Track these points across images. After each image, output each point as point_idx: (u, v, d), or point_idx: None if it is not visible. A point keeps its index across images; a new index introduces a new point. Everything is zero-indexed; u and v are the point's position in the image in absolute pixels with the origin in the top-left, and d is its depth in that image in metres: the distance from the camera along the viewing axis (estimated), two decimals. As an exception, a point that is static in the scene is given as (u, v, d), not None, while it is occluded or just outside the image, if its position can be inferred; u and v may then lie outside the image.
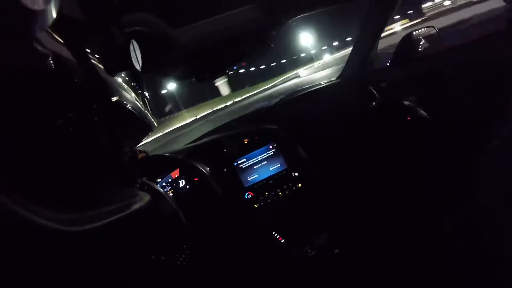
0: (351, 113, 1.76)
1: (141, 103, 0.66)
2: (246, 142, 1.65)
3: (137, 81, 0.68)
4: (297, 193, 1.57)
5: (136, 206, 0.66)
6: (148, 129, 0.72)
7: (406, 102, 1.46)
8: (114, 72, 0.56)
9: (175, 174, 1.64)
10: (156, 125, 0.75)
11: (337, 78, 1.99)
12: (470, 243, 1.06)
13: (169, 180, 1.64)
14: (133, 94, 0.64)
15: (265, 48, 1.31)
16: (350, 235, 1.50)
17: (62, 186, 0.48)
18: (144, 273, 0.88)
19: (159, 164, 1.51)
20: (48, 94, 0.44)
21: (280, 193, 1.56)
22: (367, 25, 1.65)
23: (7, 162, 0.38)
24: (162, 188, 1.61)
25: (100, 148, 0.57)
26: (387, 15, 1.57)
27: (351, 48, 1.84)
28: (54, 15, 0.36)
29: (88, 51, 0.50)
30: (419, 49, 1.55)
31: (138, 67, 0.57)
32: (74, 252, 0.46)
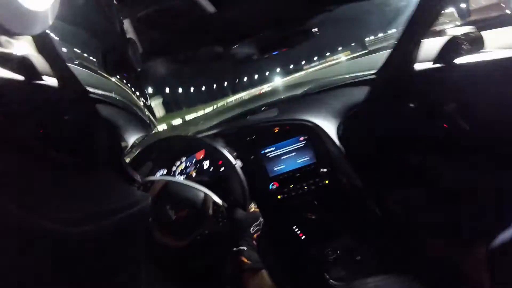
0: (386, 112, 1.66)
1: (139, 103, 0.65)
2: (276, 130, 1.60)
3: (137, 80, 0.66)
4: (324, 190, 1.51)
5: (136, 206, 0.65)
6: (145, 130, 0.71)
7: (445, 108, 1.36)
8: (114, 71, 0.55)
9: (200, 155, 1.63)
10: (156, 124, 0.74)
11: (374, 73, 1.87)
12: None
13: (193, 160, 1.63)
14: (132, 96, 0.63)
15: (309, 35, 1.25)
16: (375, 243, 1.42)
17: (62, 186, 0.48)
18: (144, 273, 0.88)
19: (184, 143, 1.50)
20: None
21: (305, 187, 1.51)
22: (415, 20, 1.51)
23: (8, 164, 0.38)
24: (185, 168, 1.62)
25: (100, 148, 0.56)
26: (439, 11, 1.42)
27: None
28: (54, 16, 0.36)
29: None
30: (463, 53, 1.41)
31: (137, 67, 0.56)
32: (74, 252, 0.46)
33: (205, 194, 1.20)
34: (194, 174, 1.62)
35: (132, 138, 0.71)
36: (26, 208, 0.36)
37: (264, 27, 1.19)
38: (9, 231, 0.35)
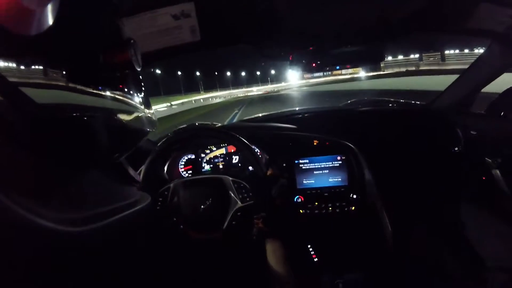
0: (428, 149, 1.60)
1: (137, 102, 0.66)
2: (315, 143, 1.57)
3: (137, 79, 0.66)
4: (348, 216, 1.46)
5: (136, 206, 0.66)
6: (142, 132, 0.72)
7: (489, 161, 1.32)
8: (114, 71, 0.55)
9: (232, 148, 1.66)
10: (155, 125, 0.75)
11: (424, 105, 1.83)
12: None
13: (225, 151, 1.66)
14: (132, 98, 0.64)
15: (377, 56, 1.22)
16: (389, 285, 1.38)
17: (62, 186, 0.48)
18: (145, 273, 0.91)
19: (219, 135, 1.53)
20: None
21: (330, 208, 1.47)
22: (483, 64, 1.44)
23: (8, 163, 0.38)
24: (214, 158, 1.66)
25: (100, 148, 0.56)
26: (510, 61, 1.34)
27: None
28: (54, 15, 0.36)
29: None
30: None
31: (138, 67, 0.57)
32: (74, 252, 0.47)
33: (223, 179, 1.23)
34: (221, 166, 1.66)
35: (132, 138, 0.72)
36: (26, 208, 0.37)
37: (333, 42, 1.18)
38: (9, 231, 0.36)
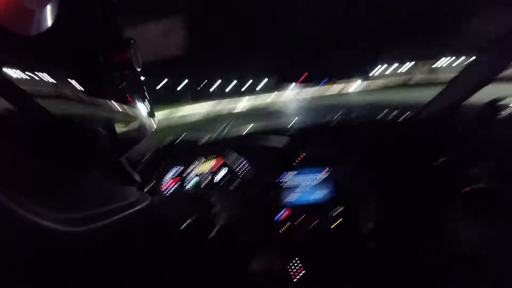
0: (416, 157, 1.65)
1: (137, 102, 0.66)
2: (302, 157, 1.60)
3: (137, 79, 0.68)
4: (335, 229, 1.48)
5: (136, 206, 0.67)
6: (143, 132, 0.72)
7: (476, 170, 1.39)
8: (114, 71, 0.56)
9: (220, 161, 1.67)
10: (155, 126, 0.75)
11: (413, 115, 1.87)
12: None
13: (210, 167, 1.67)
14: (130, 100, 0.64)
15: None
16: None
17: (63, 186, 0.49)
18: (144, 273, 0.90)
19: (208, 146, 1.54)
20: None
21: (318, 221, 1.49)
22: (470, 73, 1.52)
23: (9, 164, 0.39)
24: (201, 172, 1.67)
25: (100, 149, 0.57)
26: (497, 71, 1.42)
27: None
28: (54, 15, 0.37)
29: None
30: (499, 118, 1.45)
31: (138, 67, 0.57)
32: (74, 252, 0.47)
33: (208, 194, 1.23)
34: (209, 179, 1.67)
35: (132, 138, 0.73)
36: (26, 208, 0.37)
37: None
38: (9, 231, 0.36)
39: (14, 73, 0.39)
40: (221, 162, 1.65)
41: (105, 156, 0.60)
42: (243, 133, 2.00)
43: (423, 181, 1.59)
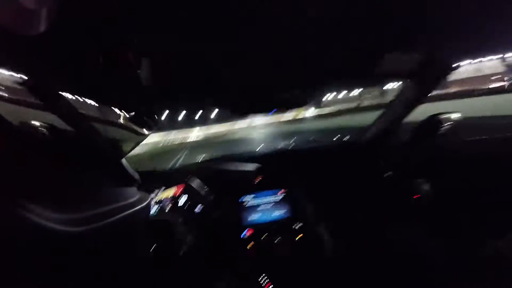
0: (363, 178, 1.79)
1: (137, 102, 0.69)
2: (257, 180, 1.69)
3: (137, 80, 0.71)
4: (295, 246, 1.55)
5: (136, 206, 0.68)
6: (143, 132, 0.74)
7: (417, 181, 1.51)
8: (114, 72, 0.56)
9: (180, 188, 1.68)
10: (155, 125, 0.78)
11: (357, 139, 2.04)
12: None
13: (172, 193, 1.67)
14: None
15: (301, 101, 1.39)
16: None
17: (63, 186, 0.50)
18: (143, 273, 0.89)
19: (167, 175, 1.55)
20: None
21: (278, 239, 1.55)
22: (405, 95, 1.69)
23: (9, 164, 0.40)
24: (162, 200, 1.65)
25: (101, 149, 0.59)
26: (424, 95, 1.60)
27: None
28: (54, 16, 0.37)
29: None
30: (441, 132, 1.56)
31: (138, 67, 0.59)
32: (74, 252, 0.48)
33: (169, 222, 1.24)
34: (169, 207, 1.66)
35: (132, 139, 0.74)
36: (26, 208, 0.38)
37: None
38: (9, 231, 0.36)
39: (14, 74, 0.39)
40: (181, 189, 1.66)
41: (105, 157, 0.61)
42: (200, 161, 2.03)
43: (373, 194, 1.74)
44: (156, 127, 0.78)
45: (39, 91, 0.46)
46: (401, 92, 1.70)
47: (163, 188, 1.67)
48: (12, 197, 0.37)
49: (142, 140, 0.83)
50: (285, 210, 1.62)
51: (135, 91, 0.69)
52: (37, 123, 0.46)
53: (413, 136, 1.70)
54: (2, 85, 0.41)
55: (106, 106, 0.60)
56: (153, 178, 1.61)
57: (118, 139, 0.65)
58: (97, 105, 0.58)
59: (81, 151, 0.53)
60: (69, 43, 0.50)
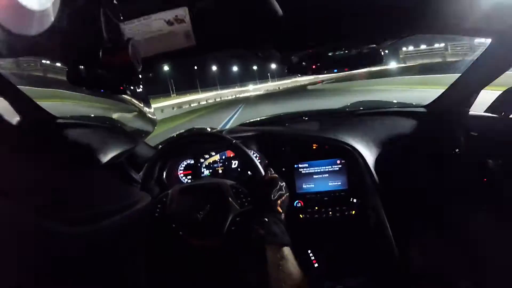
0: (429, 151, 1.61)
1: (137, 101, 0.66)
2: (314, 147, 1.58)
3: (137, 80, 0.67)
4: (349, 220, 1.48)
5: (136, 206, 0.67)
6: (143, 132, 0.73)
7: (490, 163, 1.31)
8: (114, 71, 0.56)
9: (231, 153, 1.67)
10: (155, 124, 0.75)
11: (425, 106, 1.83)
12: None
13: (224, 156, 1.67)
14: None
15: (377, 58, 1.22)
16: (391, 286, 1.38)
17: (63, 186, 0.49)
18: (144, 273, 0.91)
19: (217, 140, 1.54)
20: None
21: (330, 213, 1.49)
22: (483, 63, 1.42)
23: (9, 164, 0.39)
24: (213, 163, 1.67)
25: (101, 149, 0.58)
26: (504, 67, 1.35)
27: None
28: (54, 15, 0.37)
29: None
30: None
31: (138, 67, 0.57)
32: (75, 251, 0.48)
33: (221, 184, 1.22)
34: (220, 171, 1.67)
35: (132, 138, 0.73)
36: (26, 208, 0.38)
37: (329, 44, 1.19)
38: (10, 231, 0.36)
39: (14, 73, 0.40)
40: (232, 154, 1.65)
41: (105, 156, 0.61)
42: (253, 121, 1.98)
43: (435, 173, 1.56)
44: (154, 127, 0.76)
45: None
46: (484, 56, 1.43)
47: (218, 149, 1.67)
48: (12, 197, 0.36)
49: (144, 139, 0.81)
50: (341, 181, 1.52)
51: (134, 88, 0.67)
52: (37, 122, 0.46)
53: (492, 108, 1.48)
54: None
55: (106, 105, 0.57)
56: (206, 139, 1.61)
57: (119, 138, 0.63)
58: (97, 104, 0.55)
59: (82, 151, 0.54)
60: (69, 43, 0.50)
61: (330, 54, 1.23)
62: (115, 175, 0.70)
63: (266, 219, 1.02)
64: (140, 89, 0.68)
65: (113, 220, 0.55)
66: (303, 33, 1.11)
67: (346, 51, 1.22)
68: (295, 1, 0.96)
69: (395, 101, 2.05)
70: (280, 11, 0.92)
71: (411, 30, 1.19)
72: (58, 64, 0.47)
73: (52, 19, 0.37)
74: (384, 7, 0.99)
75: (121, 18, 0.65)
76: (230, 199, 1.19)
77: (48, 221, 0.40)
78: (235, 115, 15.57)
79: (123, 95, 0.62)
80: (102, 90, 0.56)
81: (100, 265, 0.56)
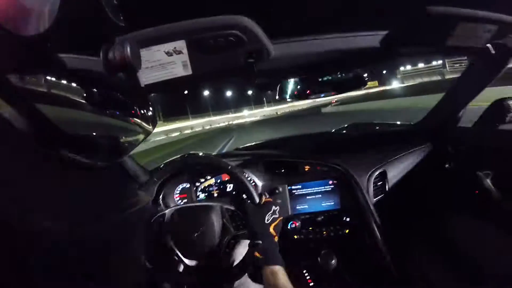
0: (420, 168, 1.66)
1: (137, 102, 0.67)
2: (306, 169, 1.63)
3: (137, 81, 0.70)
4: (342, 239, 1.51)
5: (136, 206, 0.68)
6: (143, 132, 0.73)
7: (480, 175, 1.36)
8: (114, 72, 0.56)
9: (226, 176, 1.71)
10: (155, 125, 0.77)
11: (414, 124, 1.91)
12: None
13: (219, 180, 1.71)
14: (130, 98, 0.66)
15: (360, 82, 1.30)
16: None
17: (63, 186, 0.50)
18: (144, 273, 0.91)
19: (212, 164, 1.59)
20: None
21: (324, 232, 1.52)
22: (466, 79, 1.52)
23: (9, 164, 0.39)
24: (208, 187, 1.70)
25: (101, 148, 0.58)
26: (494, 74, 1.41)
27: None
28: (55, 15, 0.37)
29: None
30: (509, 120, 1.43)
31: (138, 67, 0.58)
32: (75, 251, 0.47)
33: (216, 206, 1.25)
34: (215, 194, 1.70)
35: (132, 139, 0.74)
36: (28, 209, 0.38)
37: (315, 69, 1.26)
38: (9, 231, 0.36)
39: (14, 74, 0.39)
40: (227, 178, 1.69)
41: (105, 156, 0.61)
42: (247, 146, 2.04)
43: (427, 188, 1.60)
44: (154, 127, 0.77)
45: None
46: (468, 72, 1.52)
47: (214, 173, 1.70)
48: (11, 197, 0.37)
49: (145, 138, 0.83)
50: (334, 201, 1.56)
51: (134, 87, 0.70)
52: (37, 123, 0.44)
53: (480, 121, 1.54)
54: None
55: (107, 103, 0.59)
56: (201, 163, 1.65)
57: (122, 137, 0.64)
58: (97, 103, 0.56)
59: (82, 151, 0.53)
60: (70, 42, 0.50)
61: (319, 80, 1.30)
62: (115, 175, 0.71)
63: (260, 242, 1.06)
64: (140, 90, 0.69)
65: (113, 220, 0.56)
66: (291, 62, 1.19)
67: (332, 77, 1.30)
68: (281, 38, 1.03)
69: (387, 122, 2.12)
70: (270, 46, 1.00)
71: (391, 54, 1.27)
72: (58, 64, 0.47)
73: (52, 18, 0.37)
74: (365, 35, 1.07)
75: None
76: (225, 221, 1.22)
77: (46, 221, 0.40)
78: (231, 141, 15.59)
79: (123, 96, 0.62)
80: (100, 89, 0.55)
81: (99, 265, 0.56)
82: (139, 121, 0.67)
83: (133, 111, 0.65)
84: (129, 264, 0.72)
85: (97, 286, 0.56)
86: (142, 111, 0.69)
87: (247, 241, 1.23)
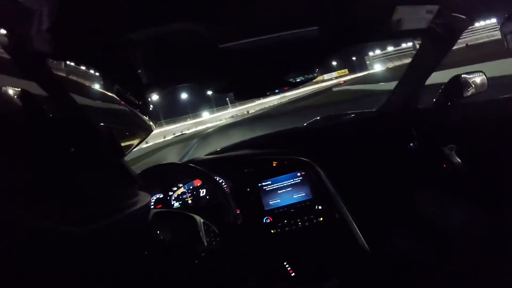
0: (386, 151, 1.78)
1: (139, 106, 0.70)
2: (274, 164, 1.71)
3: (139, 84, 0.72)
4: (317, 227, 1.59)
5: (136, 206, 0.68)
6: (147, 131, 0.75)
7: (445, 150, 1.48)
8: (114, 72, 0.58)
9: (198, 182, 1.73)
10: (155, 127, 0.79)
11: (376, 110, 2.04)
12: None
13: (191, 187, 1.73)
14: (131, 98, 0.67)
15: (311, 75, 1.38)
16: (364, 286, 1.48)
17: (63, 186, 0.50)
18: (143, 273, 0.92)
19: (182, 170, 1.60)
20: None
21: (299, 223, 1.59)
22: (419, 61, 1.66)
23: (9, 164, 0.40)
24: (181, 194, 1.71)
25: (101, 148, 0.59)
26: (443, 53, 1.57)
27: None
28: (54, 15, 0.38)
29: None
30: (466, 94, 1.55)
31: (138, 67, 0.61)
32: (75, 251, 0.48)
33: (194, 217, 1.26)
34: (190, 201, 1.72)
35: (131, 138, 0.74)
36: (27, 208, 0.38)
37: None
38: (10, 231, 0.37)
39: (13, 73, 0.40)
40: (199, 183, 1.71)
41: (105, 156, 0.61)
42: (215, 151, 2.07)
43: (396, 169, 1.72)
44: (154, 127, 0.78)
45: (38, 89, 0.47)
46: (419, 54, 1.65)
47: (185, 180, 1.71)
48: (12, 197, 0.38)
49: (145, 138, 0.84)
50: (305, 192, 1.65)
51: (134, 87, 0.71)
52: (36, 122, 0.46)
53: (439, 100, 1.67)
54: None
55: (107, 104, 0.60)
56: (172, 172, 1.66)
57: (120, 137, 0.65)
58: (97, 102, 0.58)
59: (82, 151, 0.54)
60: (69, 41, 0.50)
61: (271, 76, 1.35)
62: (115, 175, 0.70)
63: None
64: (140, 90, 0.70)
65: (113, 220, 0.56)
66: (243, 62, 1.22)
67: (287, 73, 1.37)
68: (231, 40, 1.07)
69: (347, 112, 2.24)
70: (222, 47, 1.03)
71: (347, 41, 1.36)
72: (58, 64, 0.47)
73: (52, 18, 0.38)
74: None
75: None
76: (200, 233, 1.25)
77: (47, 221, 0.40)
78: (194, 147, 15.33)
79: (123, 97, 0.63)
80: (101, 89, 0.55)
81: (100, 265, 0.56)
82: (140, 120, 0.67)
83: (134, 111, 0.66)
84: (129, 263, 0.73)
85: (98, 285, 0.57)
86: (142, 111, 0.69)
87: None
